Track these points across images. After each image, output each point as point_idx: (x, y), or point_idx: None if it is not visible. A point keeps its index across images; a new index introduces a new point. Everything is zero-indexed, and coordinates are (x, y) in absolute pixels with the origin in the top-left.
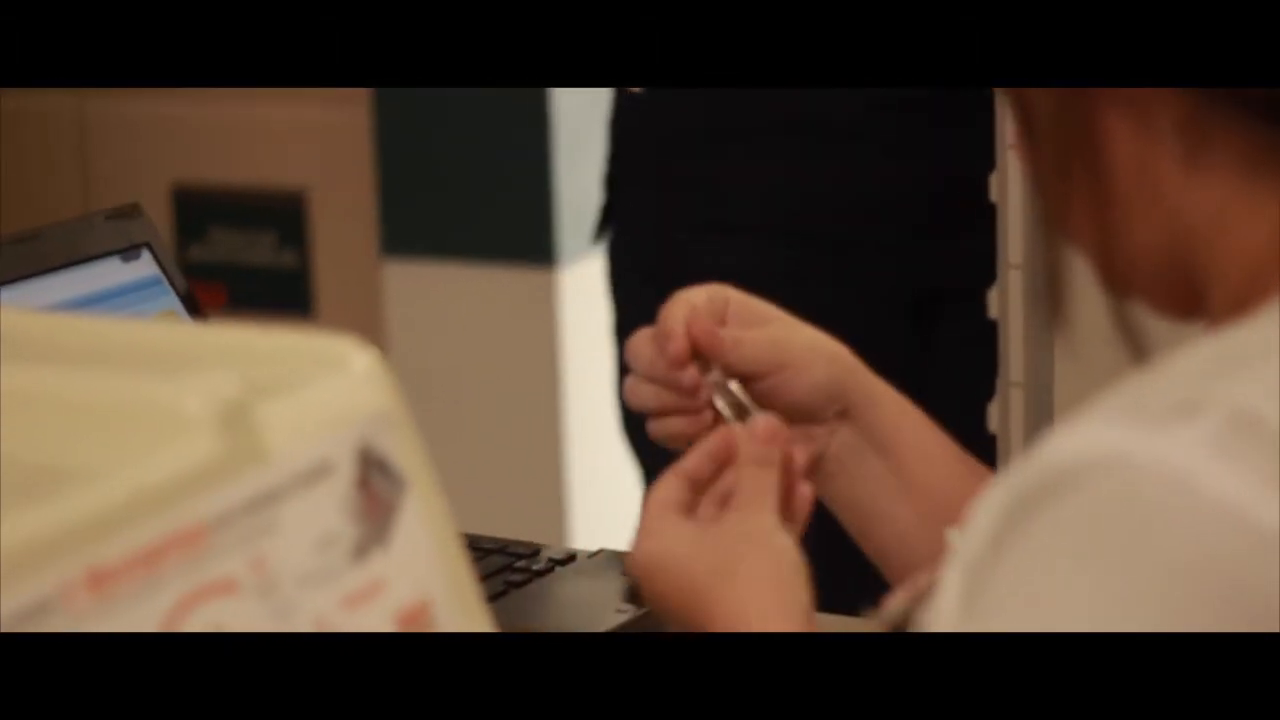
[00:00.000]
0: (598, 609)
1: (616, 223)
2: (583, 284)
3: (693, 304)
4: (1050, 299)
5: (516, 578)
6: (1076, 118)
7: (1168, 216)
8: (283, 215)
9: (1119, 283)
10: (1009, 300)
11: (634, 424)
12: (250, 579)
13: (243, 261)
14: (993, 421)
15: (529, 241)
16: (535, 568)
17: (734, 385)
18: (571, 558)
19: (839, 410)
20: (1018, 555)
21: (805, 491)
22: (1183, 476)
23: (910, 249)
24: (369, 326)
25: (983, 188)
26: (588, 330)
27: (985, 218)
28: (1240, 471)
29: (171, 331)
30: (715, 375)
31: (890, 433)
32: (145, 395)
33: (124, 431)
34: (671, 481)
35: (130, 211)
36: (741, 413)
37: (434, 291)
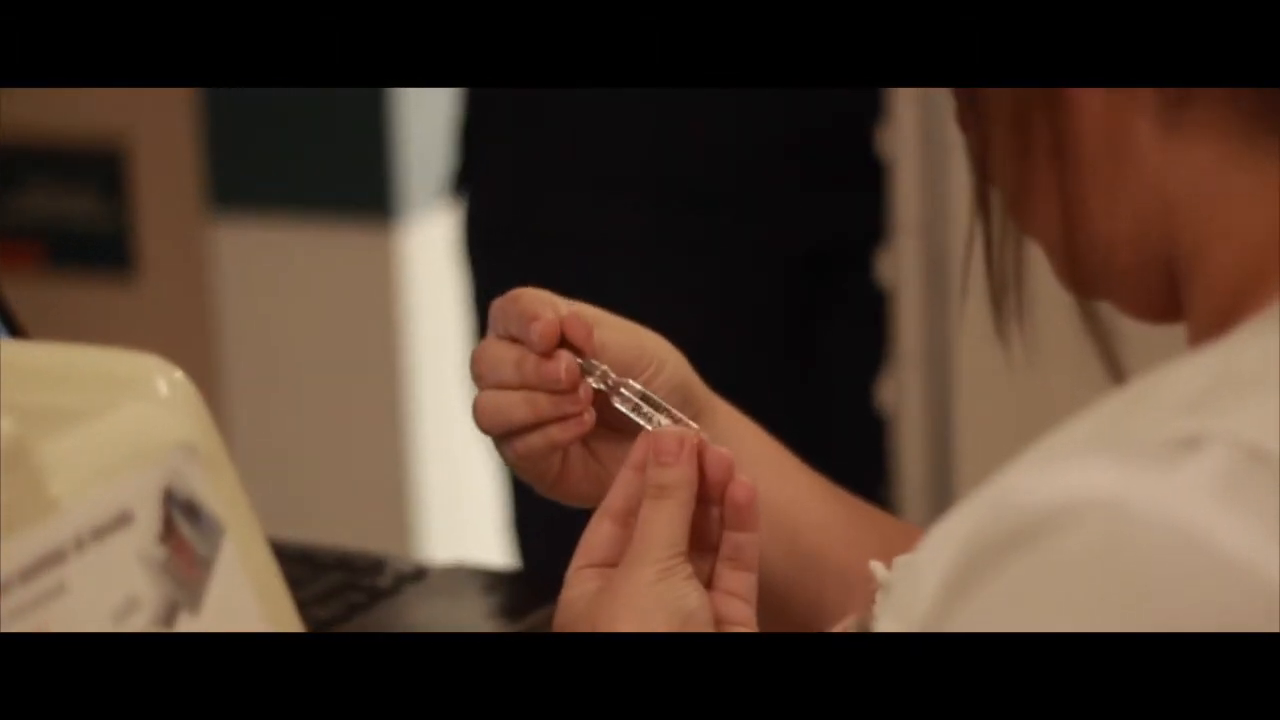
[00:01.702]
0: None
1: (472, 181)
2: (430, 241)
3: (538, 297)
4: (1002, 303)
5: (359, 598)
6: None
7: (1144, 193)
8: (101, 167)
9: (1086, 279)
10: (903, 266)
11: None
12: None
13: (59, 218)
14: (886, 398)
15: (370, 195)
16: (380, 585)
17: (632, 381)
18: (422, 573)
19: (689, 416)
20: (982, 608)
21: (740, 491)
22: (1183, 525)
23: (791, 205)
24: (195, 286)
25: (870, 139)
26: (436, 294)
27: (873, 170)
28: (1249, 519)
29: None
30: (604, 370)
31: (734, 445)
32: None
33: None
34: (595, 528)
35: None
36: (648, 413)
37: (266, 249)
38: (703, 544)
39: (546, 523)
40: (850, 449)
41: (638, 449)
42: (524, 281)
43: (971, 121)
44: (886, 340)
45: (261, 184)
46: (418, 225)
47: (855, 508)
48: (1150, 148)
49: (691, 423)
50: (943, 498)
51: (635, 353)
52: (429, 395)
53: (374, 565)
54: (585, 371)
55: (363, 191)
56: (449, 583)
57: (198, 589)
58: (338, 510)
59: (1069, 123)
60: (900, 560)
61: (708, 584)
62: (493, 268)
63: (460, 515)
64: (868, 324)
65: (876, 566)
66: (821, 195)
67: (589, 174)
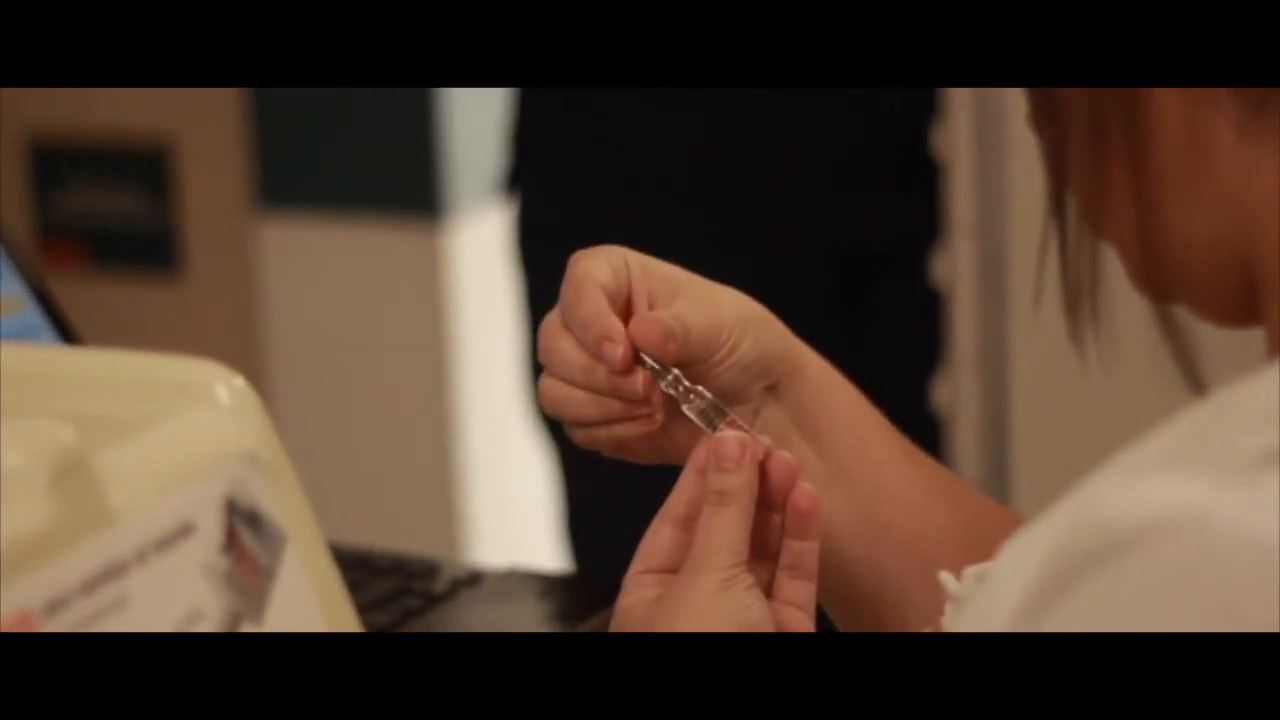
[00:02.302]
0: None
1: (522, 182)
2: (477, 240)
3: (601, 282)
4: (1077, 308)
5: (414, 603)
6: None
7: (1221, 200)
8: (146, 165)
9: (1162, 283)
10: (958, 267)
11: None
12: None
13: (104, 217)
14: (939, 401)
15: (417, 193)
16: (435, 590)
17: (701, 390)
18: (477, 577)
19: (767, 385)
20: (1065, 623)
21: (803, 498)
22: (1269, 541)
23: (838, 207)
24: (241, 285)
25: (919, 137)
26: (485, 293)
27: (922, 172)
28: None
29: None
30: (675, 376)
31: (818, 410)
32: None
33: None
34: (655, 532)
35: None
36: (713, 419)
37: (313, 248)
38: (763, 551)
39: (601, 521)
40: None
41: (699, 453)
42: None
43: (1047, 125)
44: (938, 341)
45: (308, 182)
46: (465, 224)
47: (933, 476)
48: (1229, 154)
49: (760, 437)
50: (998, 499)
51: (714, 332)
52: (477, 394)
53: (429, 570)
54: (657, 377)
55: (410, 190)
56: (504, 587)
57: (260, 599)
58: (385, 511)
59: (1147, 128)
60: (971, 572)
61: (766, 592)
62: (543, 269)
63: (509, 516)
64: (917, 325)
65: (946, 578)
66: (870, 197)
67: (634, 176)
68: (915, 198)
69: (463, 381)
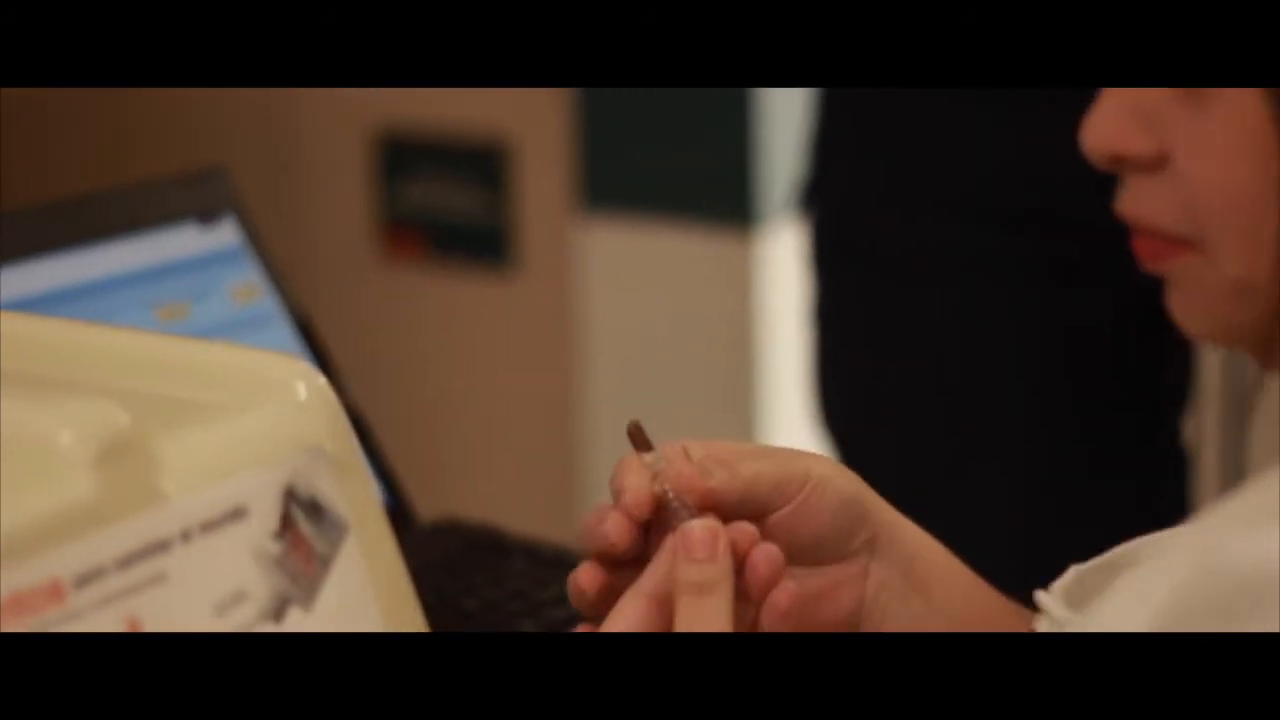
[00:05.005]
0: None
1: (820, 195)
2: (790, 249)
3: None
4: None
5: None
6: None
7: None
8: (484, 163)
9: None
10: None
11: (833, 409)
12: None
13: (445, 211)
14: (1189, 435)
15: (733, 201)
16: None
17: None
18: None
19: (866, 538)
20: None
21: (783, 597)
22: None
23: (1121, 235)
24: (565, 284)
25: None
26: (794, 301)
27: None
28: None
29: (81, 336)
30: (654, 458)
31: (922, 565)
32: (13, 422)
33: None
34: (632, 605)
35: (214, 173)
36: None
37: (633, 249)
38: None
39: None
40: (1152, 482)
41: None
42: (859, 301)
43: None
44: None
45: (630, 186)
46: (777, 233)
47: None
48: None
49: (747, 525)
50: None
51: (785, 472)
52: (780, 401)
53: None
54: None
55: (725, 198)
56: None
57: (313, 586)
58: None
59: None
60: (1063, 618)
61: None
62: (831, 284)
63: None
64: (1182, 358)
65: (1043, 597)
66: None
67: (926, 195)
68: None
69: (766, 388)
